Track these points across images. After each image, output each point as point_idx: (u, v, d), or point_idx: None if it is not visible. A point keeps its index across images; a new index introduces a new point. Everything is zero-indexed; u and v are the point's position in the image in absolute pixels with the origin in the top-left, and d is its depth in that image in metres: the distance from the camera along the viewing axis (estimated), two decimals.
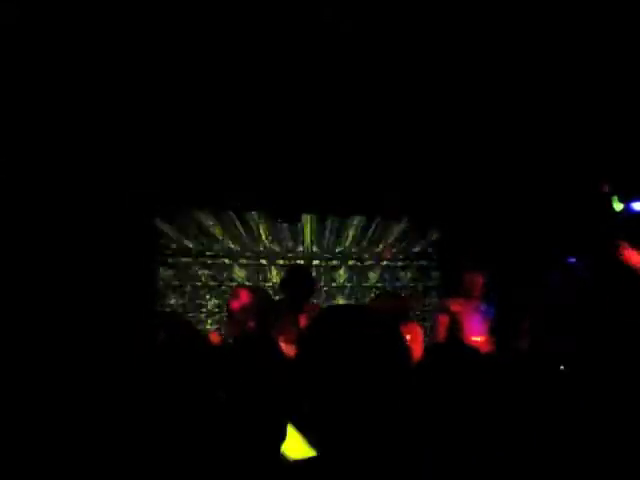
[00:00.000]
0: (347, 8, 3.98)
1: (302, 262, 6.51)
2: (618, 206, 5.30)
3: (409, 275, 6.86)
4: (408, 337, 4.28)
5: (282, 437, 1.96)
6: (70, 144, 5.29)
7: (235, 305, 4.05)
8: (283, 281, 5.23)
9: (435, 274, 6.85)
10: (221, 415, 2.07)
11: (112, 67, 4.46)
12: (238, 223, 6.49)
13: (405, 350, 1.49)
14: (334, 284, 6.78)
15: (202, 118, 5.30)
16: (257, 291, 4.18)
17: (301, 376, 1.48)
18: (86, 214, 5.68)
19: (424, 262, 6.88)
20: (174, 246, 6.44)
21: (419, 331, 4.47)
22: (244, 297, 3.99)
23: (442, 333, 4.52)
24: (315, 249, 6.66)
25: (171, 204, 6.36)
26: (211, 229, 6.50)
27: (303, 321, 4.44)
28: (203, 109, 5.14)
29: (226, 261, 6.51)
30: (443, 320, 4.57)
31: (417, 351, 4.14)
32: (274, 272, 6.61)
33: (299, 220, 6.54)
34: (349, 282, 6.81)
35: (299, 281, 5.00)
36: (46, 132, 5.11)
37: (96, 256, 5.57)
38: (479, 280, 4.68)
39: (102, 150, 5.41)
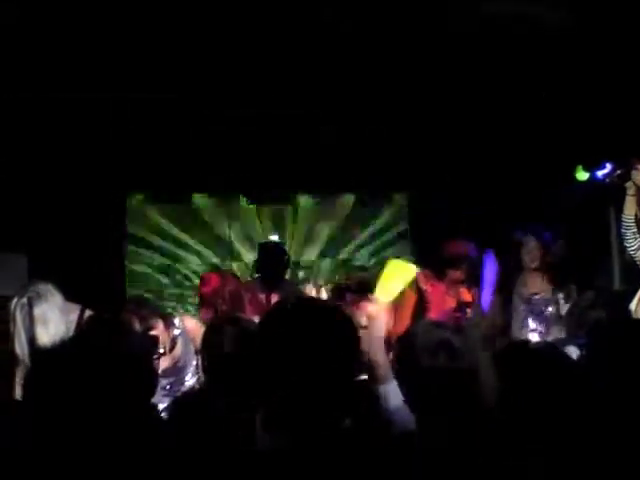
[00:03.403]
0: (347, 8, 4.00)
1: None
2: (582, 175, 5.32)
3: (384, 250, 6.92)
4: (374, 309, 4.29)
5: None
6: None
7: (206, 290, 4.09)
8: (255, 260, 5.26)
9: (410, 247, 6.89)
10: None
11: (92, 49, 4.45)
12: None
13: (349, 345, 1.54)
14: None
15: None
16: (226, 274, 4.23)
17: (256, 367, 1.53)
18: (57, 197, 5.71)
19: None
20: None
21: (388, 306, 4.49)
22: (214, 281, 4.04)
23: (408, 310, 4.40)
24: None
25: (143, 189, 6.38)
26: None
27: (276, 299, 4.44)
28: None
29: None
30: (410, 297, 4.45)
31: (389, 325, 4.18)
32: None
33: (267, 201, 6.55)
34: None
35: (271, 259, 5.01)
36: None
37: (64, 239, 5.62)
38: (464, 251, 4.55)
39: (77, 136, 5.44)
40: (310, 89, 4.89)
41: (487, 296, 4.50)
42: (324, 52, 4.37)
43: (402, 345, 2.13)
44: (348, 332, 1.55)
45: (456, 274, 4.50)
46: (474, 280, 4.54)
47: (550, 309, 4.60)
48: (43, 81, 4.64)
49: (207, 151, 5.75)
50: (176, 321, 3.76)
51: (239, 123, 5.44)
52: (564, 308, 4.47)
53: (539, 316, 4.62)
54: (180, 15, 3.98)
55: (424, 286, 4.49)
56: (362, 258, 6.97)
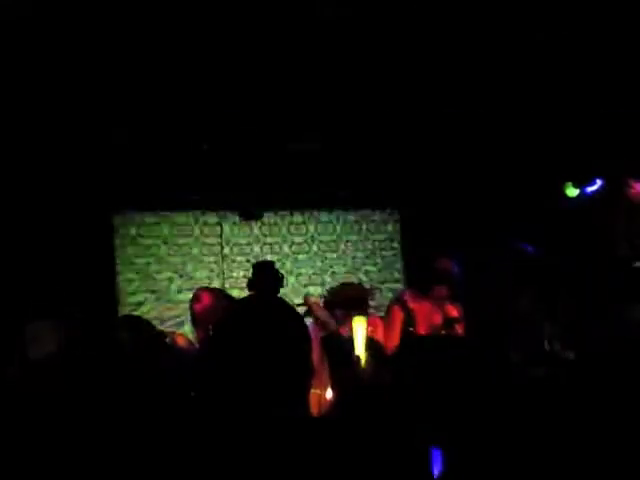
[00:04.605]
0: (347, 7, 4.00)
1: None
2: (572, 192, 5.36)
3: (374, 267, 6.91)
4: (370, 329, 4.31)
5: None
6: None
7: (198, 308, 4.07)
8: (250, 278, 5.24)
9: (399, 265, 6.89)
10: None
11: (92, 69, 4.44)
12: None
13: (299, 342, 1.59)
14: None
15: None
16: (218, 292, 4.21)
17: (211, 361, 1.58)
18: (44, 212, 5.67)
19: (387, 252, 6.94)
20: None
21: (379, 323, 4.52)
22: (206, 299, 4.02)
23: (397, 328, 4.44)
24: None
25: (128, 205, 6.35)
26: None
27: None
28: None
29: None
30: (398, 315, 4.50)
31: (385, 341, 4.23)
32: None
33: (260, 217, 6.54)
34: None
35: (265, 276, 4.99)
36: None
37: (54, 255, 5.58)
38: (449, 267, 4.59)
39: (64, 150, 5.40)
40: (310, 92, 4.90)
41: None
42: (323, 52, 4.38)
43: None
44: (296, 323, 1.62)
45: (441, 291, 4.58)
46: (459, 296, 4.61)
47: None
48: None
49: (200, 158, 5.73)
50: (167, 340, 3.74)
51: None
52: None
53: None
54: (178, 15, 3.98)
55: (411, 304, 4.55)
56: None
